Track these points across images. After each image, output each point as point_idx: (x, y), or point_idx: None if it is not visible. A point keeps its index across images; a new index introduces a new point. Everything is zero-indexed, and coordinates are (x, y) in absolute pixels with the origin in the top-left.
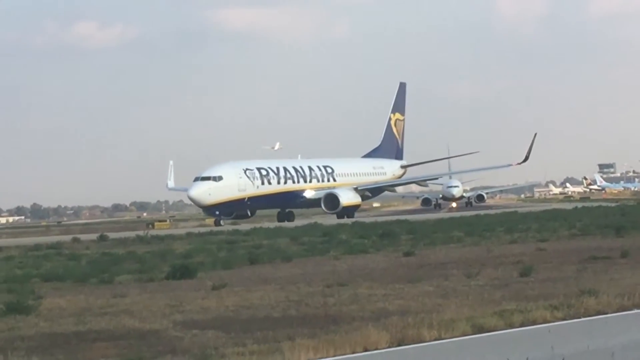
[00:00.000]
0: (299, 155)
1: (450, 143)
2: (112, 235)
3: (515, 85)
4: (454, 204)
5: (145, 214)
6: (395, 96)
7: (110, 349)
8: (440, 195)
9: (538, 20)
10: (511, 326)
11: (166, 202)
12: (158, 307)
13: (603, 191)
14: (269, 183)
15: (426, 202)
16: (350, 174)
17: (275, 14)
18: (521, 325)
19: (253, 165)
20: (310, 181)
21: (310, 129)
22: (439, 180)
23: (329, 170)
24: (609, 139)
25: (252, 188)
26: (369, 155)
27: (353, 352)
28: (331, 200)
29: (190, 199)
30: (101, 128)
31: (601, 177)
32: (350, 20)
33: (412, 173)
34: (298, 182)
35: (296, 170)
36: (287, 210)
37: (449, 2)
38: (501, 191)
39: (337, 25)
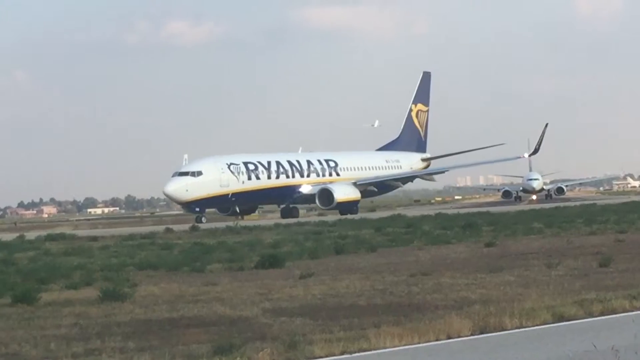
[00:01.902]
0: (300, 149)
1: (530, 137)
2: (203, 225)
3: (592, 81)
4: (534, 197)
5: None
6: (417, 86)
7: (202, 334)
8: (521, 188)
9: (614, 17)
10: (591, 315)
11: None
12: (248, 295)
13: None
14: (257, 178)
15: (507, 194)
16: (357, 168)
17: (357, 12)
18: (601, 314)
19: (239, 159)
20: (309, 175)
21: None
22: (519, 173)
23: (332, 164)
24: None
25: (237, 183)
26: (386, 148)
27: (436, 340)
28: (326, 195)
29: (166, 195)
30: (192, 122)
31: None
32: (429, 18)
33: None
34: (293, 176)
35: (291, 164)
36: (290, 205)
37: (528, 1)
38: (580, 184)
39: (416, 23)
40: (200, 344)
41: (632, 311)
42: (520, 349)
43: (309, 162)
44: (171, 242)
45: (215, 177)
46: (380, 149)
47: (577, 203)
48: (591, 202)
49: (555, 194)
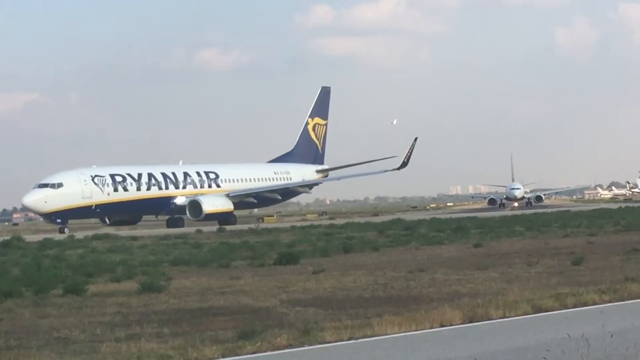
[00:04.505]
0: (181, 161)
1: (513, 151)
2: (228, 227)
3: (570, 104)
4: (516, 204)
5: (255, 210)
6: (315, 100)
7: (228, 322)
8: (505, 196)
9: (590, 49)
10: (565, 307)
11: None
12: (267, 288)
13: None
14: (125, 190)
15: (492, 202)
16: (239, 180)
17: (367, 43)
18: (574, 307)
19: (105, 171)
20: (185, 187)
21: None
22: (504, 183)
23: (212, 175)
24: None
25: (102, 195)
26: (279, 160)
27: (431, 327)
28: (196, 207)
29: (24, 206)
30: (222, 137)
31: None
32: (430, 49)
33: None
34: (167, 188)
35: (165, 176)
36: (175, 216)
37: (515, 34)
38: (556, 193)
39: (420, 52)
40: (226, 330)
41: (601, 304)
42: (504, 337)
43: (185, 174)
44: (201, 242)
45: (77, 189)
46: (273, 161)
47: (554, 209)
48: (566, 209)
49: (535, 202)
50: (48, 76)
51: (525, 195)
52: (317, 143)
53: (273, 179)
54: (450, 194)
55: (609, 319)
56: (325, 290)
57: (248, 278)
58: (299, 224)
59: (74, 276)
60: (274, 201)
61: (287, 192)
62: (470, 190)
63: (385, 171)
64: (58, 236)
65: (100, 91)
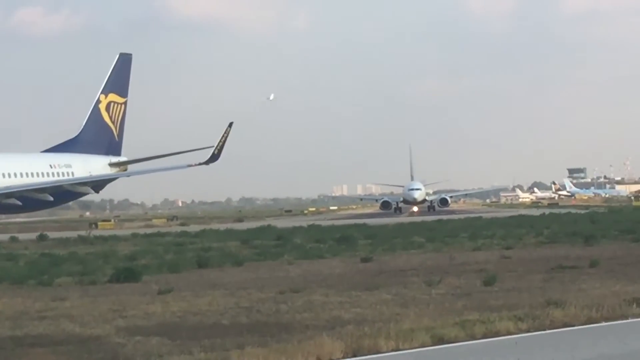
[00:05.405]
0: None
1: (412, 143)
2: (52, 234)
3: (482, 83)
4: (415, 208)
5: (88, 213)
6: (110, 71)
7: (48, 355)
8: (401, 199)
9: (507, 18)
10: (473, 337)
11: (111, 200)
12: (100, 312)
13: (572, 197)
14: None
15: (385, 205)
16: None
17: (230, 3)
18: (483, 337)
19: None
20: None
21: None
22: (400, 182)
23: None
24: (580, 143)
25: None
26: (59, 149)
27: None
28: None
29: None
30: (44, 120)
31: (571, 182)
32: (308, 12)
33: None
34: None
35: None
36: None
37: None
38: (466, 195)
39: (295, 17)
40: None
41: (517, 334)
42: None
43: None
44: (16, 253)
45: None
46: (50, 150)
47: (462, 216)
48: (477, 215)
49: (439, 206)
50: None
51: (427, 198)
52: (113, 128)
53: (48, 174)
54: (334, 195)
55: (526, 353)
56: (174, 314)
57: (75, 299)
58: (142, 231)
59: None
60: (44, 204)
61: (63, 192)
62: (359, 190)
63: (189, 166)
64: None
65: None
